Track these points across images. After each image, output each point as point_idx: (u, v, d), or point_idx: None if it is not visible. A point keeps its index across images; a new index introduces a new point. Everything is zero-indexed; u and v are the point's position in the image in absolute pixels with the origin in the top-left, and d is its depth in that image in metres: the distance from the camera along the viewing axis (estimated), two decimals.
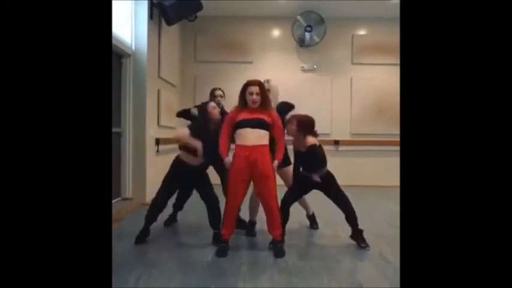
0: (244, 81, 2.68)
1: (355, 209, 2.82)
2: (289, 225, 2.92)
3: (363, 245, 2.77)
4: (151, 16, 4.41)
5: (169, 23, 4.63)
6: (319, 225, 3.36)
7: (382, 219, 3.77)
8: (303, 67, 6.19)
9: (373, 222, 3.59)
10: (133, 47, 4.28)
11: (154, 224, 2.91)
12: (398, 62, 6.32)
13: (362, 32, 6.24)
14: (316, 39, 5.98)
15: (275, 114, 2.66)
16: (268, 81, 2.90)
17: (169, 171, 2.89)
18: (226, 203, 2.63)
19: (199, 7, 4.76)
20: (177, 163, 2.87)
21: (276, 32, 6.25)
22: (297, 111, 2.89)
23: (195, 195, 3.09)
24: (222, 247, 2.59)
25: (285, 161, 2.94)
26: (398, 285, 2.06)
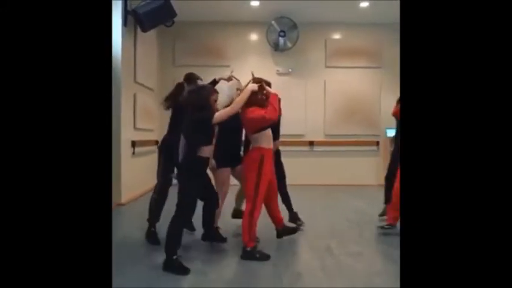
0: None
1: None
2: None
3: (298, 222, 3.11)
4: (125, 23, 4.60)
5: (144, 29, 4.81)
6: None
7: (341, 215, 3.99)
8: (278, 70, 6.40)
9: (332, 217, 3.83)
10: None
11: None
12: (370, 65, 6.53)
13: (335, 37, 6.48)
14: (289, 44, 6.20)
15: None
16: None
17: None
18: (255, 208, 2.52)
19: (173, 14, 4.94)
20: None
21: (251, 37, 6.47)
22: None
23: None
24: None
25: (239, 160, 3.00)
26: (335, 274, 2.29)
